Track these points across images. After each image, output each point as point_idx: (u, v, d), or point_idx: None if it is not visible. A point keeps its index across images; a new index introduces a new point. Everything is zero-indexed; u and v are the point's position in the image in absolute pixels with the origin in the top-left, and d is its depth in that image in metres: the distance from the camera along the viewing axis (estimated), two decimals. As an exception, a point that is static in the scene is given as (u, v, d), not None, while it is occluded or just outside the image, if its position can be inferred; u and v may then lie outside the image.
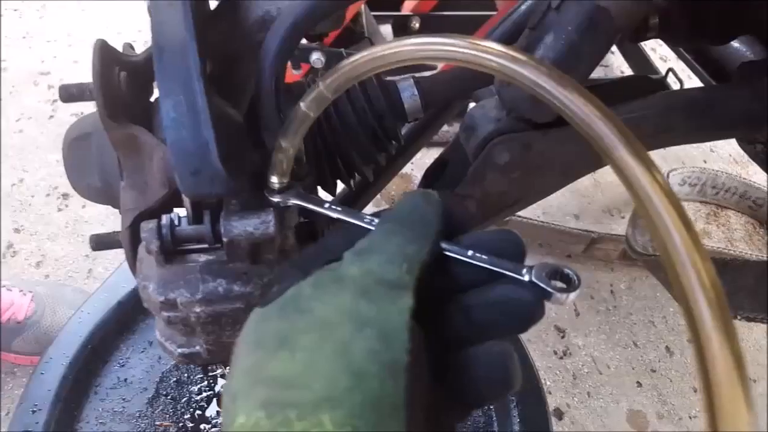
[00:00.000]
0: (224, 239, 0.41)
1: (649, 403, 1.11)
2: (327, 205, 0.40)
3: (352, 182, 0.61)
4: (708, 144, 1.61)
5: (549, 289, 0.31)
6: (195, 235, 0.42)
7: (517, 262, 0.33)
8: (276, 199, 0.43)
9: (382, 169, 0.62)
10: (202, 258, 0.43)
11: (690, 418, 1.10)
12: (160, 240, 0.41)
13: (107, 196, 0.57)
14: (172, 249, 0.42)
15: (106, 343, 0.90)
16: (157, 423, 0.84)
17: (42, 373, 0.84)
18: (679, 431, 1.08)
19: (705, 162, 1.59)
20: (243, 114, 0.48)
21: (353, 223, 0.37)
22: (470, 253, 0.33)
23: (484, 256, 0.33)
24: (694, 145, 1.55)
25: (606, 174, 1.48)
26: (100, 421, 0.83)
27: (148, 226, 0.41)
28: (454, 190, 0.52)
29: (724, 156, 1.61)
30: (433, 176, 0.58)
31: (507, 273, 0.33)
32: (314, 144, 0.56)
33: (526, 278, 0.32)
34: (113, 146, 0.52)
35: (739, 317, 0.93)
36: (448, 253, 0.34)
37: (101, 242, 0.54)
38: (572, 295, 0.31)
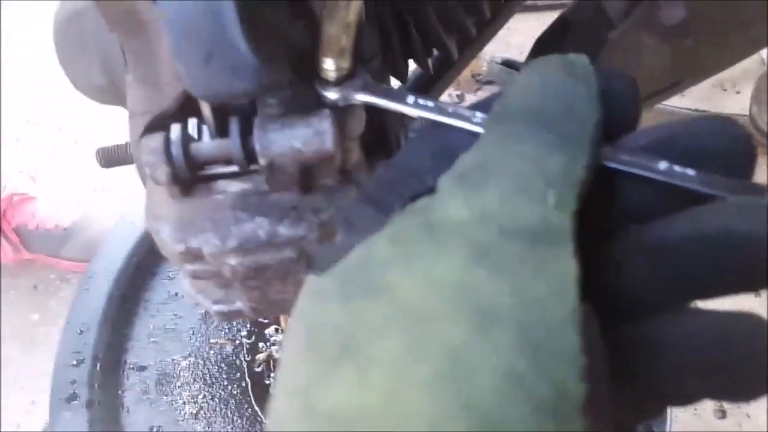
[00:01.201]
0: (261, 161, 0.28)
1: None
2: (412, 99, 0.26)
3: (429, 61, 0.45)
4: None
5: None
6: (219, 154, 0.29)
7: (743, 177, 0.19)
8: (334, 95, 0.28)
9: (469, 41, 0.46)
10: (233, 187, 0.30)
11: None
12: (170, 164, 0.28)
13: (115, 95, 0.44)
14: (190, 175, 0.29)
15: (153, 254, 0.81)
16: (212, 340, 0.78)
17: (87, 290, 0.77)
18: None
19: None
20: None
21: (454, 127, 0.23)
22: (662, 166, 0.19)
23: (686, 171, 0.19)
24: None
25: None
26: (152, 339, 0.77)
27: (150, 144, 0.28)
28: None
29: None
30: (548, 47, 0.41)
31: (730, 197, 0.18)
32: (377, 6, 0.40)
33: None
34: (109, 27, 0.38)
35: None
36: (615, 166, 0.20)
37: (111, 158, 0.42)
38: None
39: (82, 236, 1.01)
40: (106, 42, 0.42)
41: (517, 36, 1.03)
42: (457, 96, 1.06)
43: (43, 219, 1.00)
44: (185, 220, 0.29)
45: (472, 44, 0.47)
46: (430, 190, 0.20)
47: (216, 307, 0.34)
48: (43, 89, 1.26)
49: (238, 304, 0.34)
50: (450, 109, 0.24)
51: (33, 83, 1.28)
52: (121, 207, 0.96)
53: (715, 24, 0.33)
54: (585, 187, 0.19)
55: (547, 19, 1.17)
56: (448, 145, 0.22)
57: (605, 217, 0.20)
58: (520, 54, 1.08)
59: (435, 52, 0.47)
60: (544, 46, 0.41)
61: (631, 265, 0.19)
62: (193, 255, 0.30)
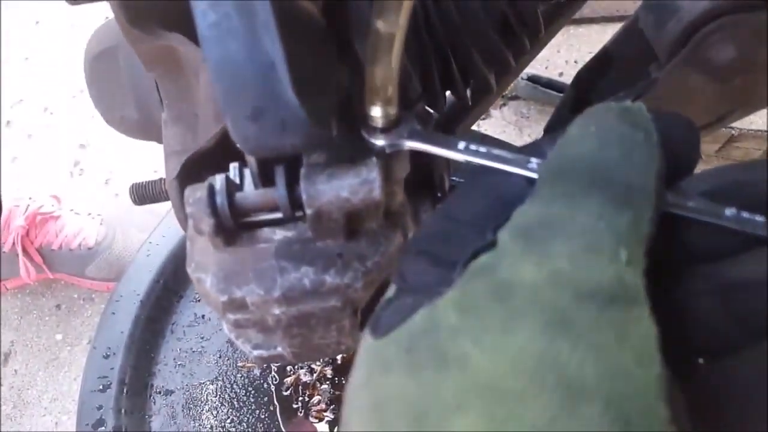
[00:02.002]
0: (308, 210, 0.27)
1: None
2: (463, 145, 0.25)
3: (468, 92, 0.44)
4: None
5: None
6: (264, 204, 0.28)
7: None
8: (381, 141, 0.28)
9: (508, 71, 0.45)
10: (277, 234, 0.29)
11: None
12: (214, 216, 0.27)
13: (149, 130, 0.44)
14: (234, 225, 0.28)
15: (179, 276, 0.81)
16: (240, 363, 0.77)
17: (113, 313, 0.77)
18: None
19: None
20: (320, 5, 0.32)
21: (505, 171, 0.22)
22: (729, 213, 0.19)
23: (755, 217, 0.19)
24: None
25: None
26: (179, 362, 0.77)
27: (195, 196, 0.27)
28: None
29: None
30: (589, 82, 0.40)
31: None
32: (419, 39, 0.39)
33: None
34: (144, 65, 0.38)
35: None
36: (681, 213, 0.20)
37: (145, 195, 0.42)
38: None
39: (106, 256, 1.01)
40: (140, 78, 0.42)
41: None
42: (481, 112, 1.06)
43: (67, 238, 1.00)
44: (228, 270, 0.29)
45: (508, 74, 0.46)
46: (490, 245, 0.19)
47: (256, 352, 0.33)
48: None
49: (279, 349, 0.33)
50: (502, 154, 0.23)
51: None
52: (145, 225, 0.97)
53: (766, 62, 0.32)
54: (651, 240, 0.18)
55: (572, 32, 1.15)
56: (500, 192, 0.22)
57: (663, 258, 0.19)
58: (545, 69, 1.07)
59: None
60: (586, 77, 0.40)
61: (702, 306, 0.18)
62: (236, 305, 0.29)
